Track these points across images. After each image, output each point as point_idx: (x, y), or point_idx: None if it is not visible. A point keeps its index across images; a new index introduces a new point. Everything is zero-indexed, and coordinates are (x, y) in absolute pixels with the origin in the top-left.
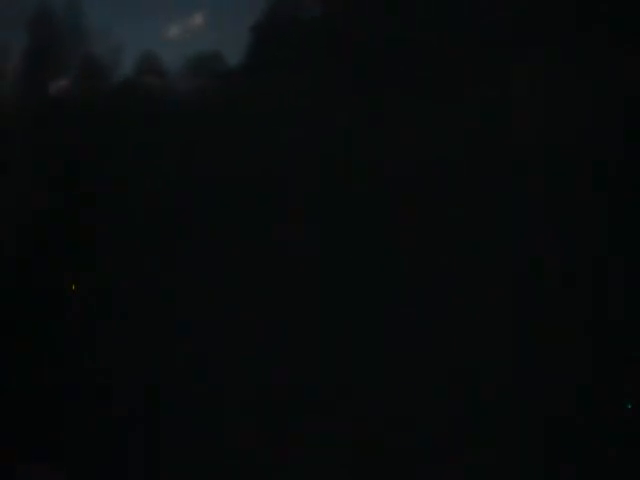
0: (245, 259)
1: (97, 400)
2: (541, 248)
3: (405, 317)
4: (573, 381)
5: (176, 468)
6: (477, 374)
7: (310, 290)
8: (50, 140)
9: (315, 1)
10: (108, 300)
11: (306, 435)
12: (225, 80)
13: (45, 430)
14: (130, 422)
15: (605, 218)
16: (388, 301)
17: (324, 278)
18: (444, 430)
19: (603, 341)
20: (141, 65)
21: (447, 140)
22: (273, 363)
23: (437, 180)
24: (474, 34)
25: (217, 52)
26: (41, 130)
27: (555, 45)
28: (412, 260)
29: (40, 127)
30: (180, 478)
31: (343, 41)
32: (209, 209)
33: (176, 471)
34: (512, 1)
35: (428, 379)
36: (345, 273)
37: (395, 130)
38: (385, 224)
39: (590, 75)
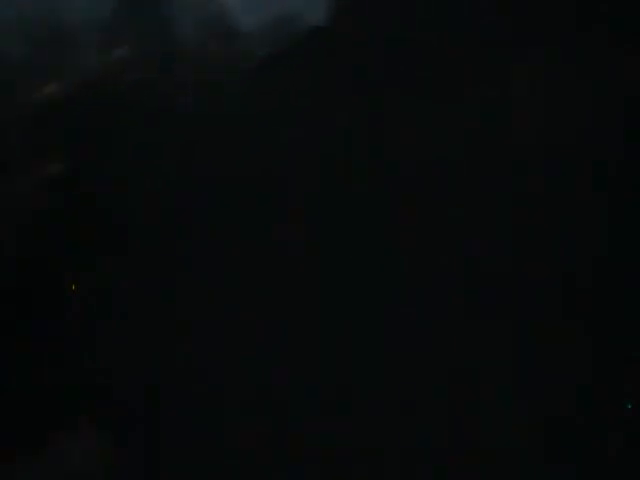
0: (245, 259)
1: (97, 400)
2: (541, 248)
3: (405, 317)
4: (573, 381)
5: (176, 468)
6: (477, 374)
7: (310, 290)
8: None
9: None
10: (108, 300)
11: (306, 435)
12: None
13: (45, 430)
14: (130, 422)
15: (605, 218)
16: (388, 301)
17: (324, 278)
18: (444, 430)
19: (603, 341)
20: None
21: (447, 140)
22: (273, 363)
23: (437, 180)
24: (474, 34)
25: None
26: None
27: (555, 45)
28: (412, 260)
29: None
30: (180, 478)
31: (343, 41)
32: (209, 209)
33: (176, 471)
34: (512, 1)
35: (427, 379)
36: (345, 273)
37: (395, 130)
38: (385, 224)
39: (590, 75)
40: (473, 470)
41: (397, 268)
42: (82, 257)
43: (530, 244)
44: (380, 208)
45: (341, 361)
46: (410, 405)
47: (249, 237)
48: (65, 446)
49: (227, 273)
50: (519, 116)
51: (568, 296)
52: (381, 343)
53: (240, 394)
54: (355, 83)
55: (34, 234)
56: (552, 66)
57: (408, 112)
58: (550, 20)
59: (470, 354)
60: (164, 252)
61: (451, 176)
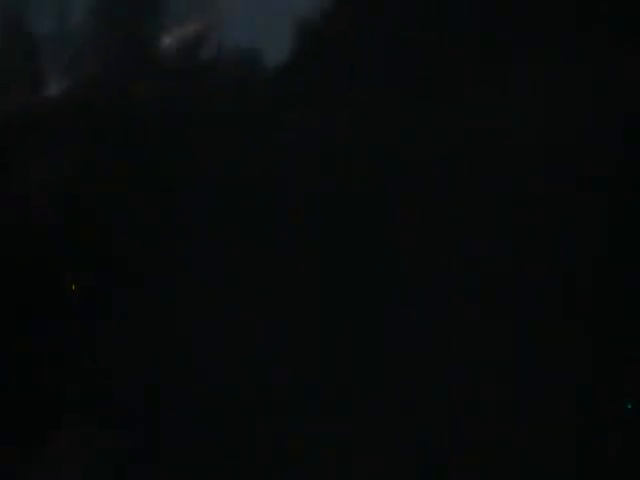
0: (245, 259)
1: (97, 400)
2: (541, 248)
3: (405, 317)
4: (573, 381)
5: (176, 468)
6: (477, 374)
7: (310, 290)
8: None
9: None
10: (108, 300)
11: (306, 435)
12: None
13: (45, 431)
14: (130, 422)
15: (605, 218)
16: (388, 301)
17: (324, 278)
18: (443, 430)
19: (603, 341)
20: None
21: (447, 140)
22: (273, 363)
23: (437, 180)
24: (474, 34)
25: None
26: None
27: (555, 45)
28: (412, 260)
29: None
30: (180, 478)
31: (343, 40)
32: (209, 209)
33: (176, 471)
34: (512, 1)
35: (427, 379)
36: (345, 273)
37: (395, 130)
38: (385, 224)
39: (590, 75)
40: (473, 470)
41: (397, 267)
42: (82, 257)
43: (529, 244)
44: (380, 208)
45: (341, 360)
46: (409, 404)
47: (249, 237)
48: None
49: (227, 273)
50: (519, 116)
51: (568, 296)
52: (380, 342)
53: (240, 394)
54: (355, 83)
55: (34, 234)
56: (552, 66)
57: (408, 112)
58: (550, 20)
59: (470, 353)
60: (164, 252)
61: (451, 176)
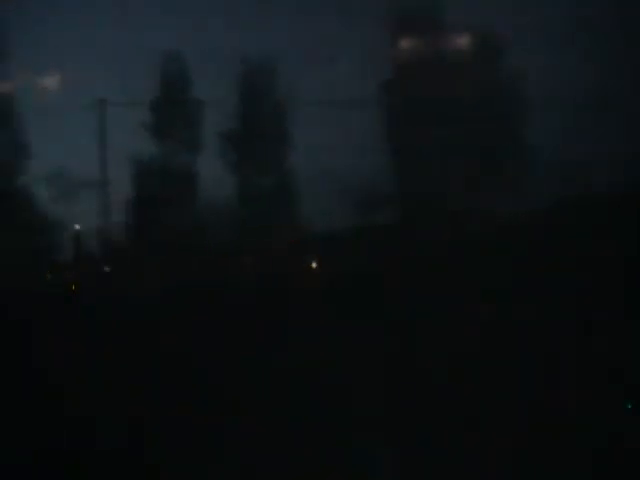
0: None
1: (97, 401)
2: (540, 249)
3: (405, 317)
4: (573, 381)
5: (176, 469)
6: (477, 374)
7: (311, 294)
8: None
9: None
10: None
11: (306, 435)
12: None
13: (45, 432)
14: (129, 422)
15: (605, 218)
16: (387, 301)
17: (324, 283)
18: (444, 430)
19: (603, 341)
20: None
21: None
22: (273, 363)
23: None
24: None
25: None
26: None
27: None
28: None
29: None
30: (180, 478)
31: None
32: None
33: (176, 471)
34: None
35: (428, 379)
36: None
37: None
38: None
39: (590, 75)
40: (472, 469)
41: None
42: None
43: (529, 244)
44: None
45: (341, 361)
46: (409, 404)
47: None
48: None
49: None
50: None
51: (568, 296)
52: (380, 342)
53: (241, 394)
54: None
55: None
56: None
57: None
58: (550, 20)
59: (470, 353)
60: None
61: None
